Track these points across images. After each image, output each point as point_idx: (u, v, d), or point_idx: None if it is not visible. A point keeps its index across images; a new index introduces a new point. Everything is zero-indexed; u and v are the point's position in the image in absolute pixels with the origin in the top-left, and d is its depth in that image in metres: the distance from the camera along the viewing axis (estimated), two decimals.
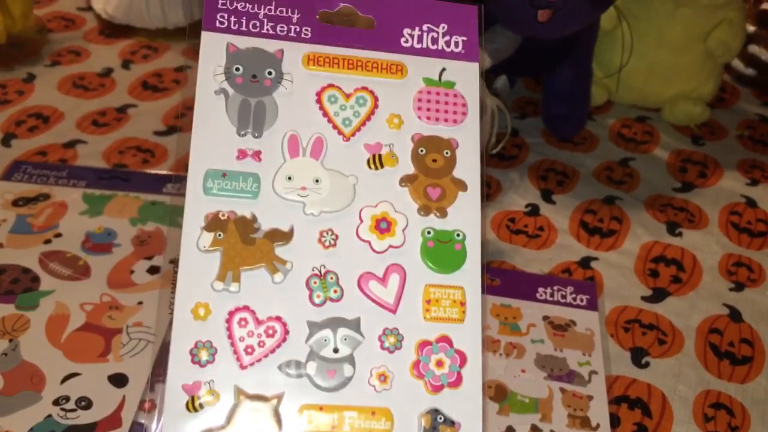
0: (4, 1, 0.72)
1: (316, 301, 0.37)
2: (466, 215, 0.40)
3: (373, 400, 0.36)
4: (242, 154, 0.39)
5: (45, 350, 0.48)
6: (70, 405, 0.44)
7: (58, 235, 0.55)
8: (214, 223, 0.37)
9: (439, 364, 0.37)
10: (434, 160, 0.40)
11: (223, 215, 0.37)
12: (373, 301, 0.37)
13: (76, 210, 0.58)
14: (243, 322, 0.36)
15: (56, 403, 0.45)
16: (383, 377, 0.36)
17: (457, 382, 0.36)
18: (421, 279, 0.38)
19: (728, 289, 0.57)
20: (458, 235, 0.39)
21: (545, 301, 0.55)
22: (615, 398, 0.49)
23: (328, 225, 0.38)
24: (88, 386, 0.45)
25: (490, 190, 0.66)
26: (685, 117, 0.74)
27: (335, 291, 0.37)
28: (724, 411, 0.48)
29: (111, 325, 0.49)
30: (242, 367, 0.36)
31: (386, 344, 0.37)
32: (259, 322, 0.36)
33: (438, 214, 0.39)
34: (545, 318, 0.54)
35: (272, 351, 0.36)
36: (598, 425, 0.47)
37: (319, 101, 0.40)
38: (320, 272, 0.37)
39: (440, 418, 0.35)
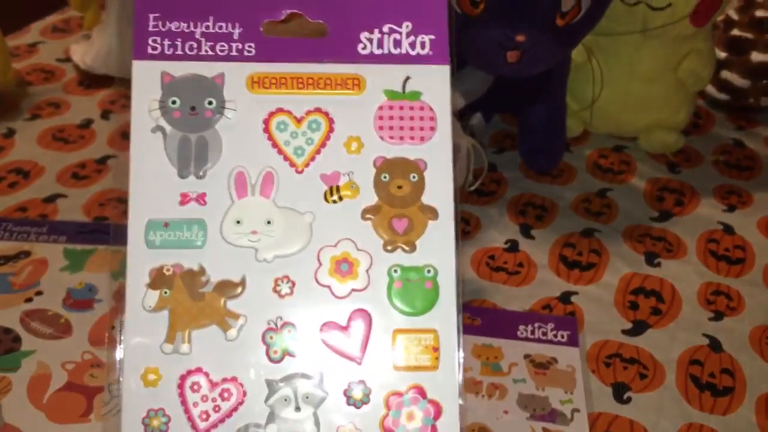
0: None
1: (274, 357, 0.35)
2: (437, 247, 0.36)
3: None
4: (185, 199, 0.36)
5: (27, 412, 0.48)
6: None
7: (39, 293, 0.56)
8: (158, 280, 0.35)
9: (411, 417, 0.34)
10: (399, 187, 0.36)
11: (168, 270, 0.35)
12: (336, 352, 0.35)
13: (57, 266, 0.58)
14: (196, 387, 0.34)
15: None
16: None
17: None
18: (389, 324, 0.35)
19: (708, 319, 0.58)
20: (429, 271, 0.36)
21: (526, 339, 0.55)
22: None
23: (284, 271, 0.35)
24: None
25: (469, 227, 0.66)
26: (660, 145, 0.75)
27: (293, 344, 0.35)
28: None
29: (93, 383, 0.49)
30: None
31: (352, 399, 0.34)
32: (213, 384, 0.35)
33: (406, 249, 0.36)
34: (527, 356, 0.54)
35: (229, 415, 0.34)
36: None
37: (267, 130, 0.37)
38: (277, 325, 0.35)
39: None
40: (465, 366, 0.53)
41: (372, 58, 0.38)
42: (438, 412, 0.35)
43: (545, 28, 0.57)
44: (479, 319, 0.57)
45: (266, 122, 0.37)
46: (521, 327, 0.56)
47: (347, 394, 0.35)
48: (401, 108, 0.37)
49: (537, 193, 0.71)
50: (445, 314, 0.36)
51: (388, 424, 0.34)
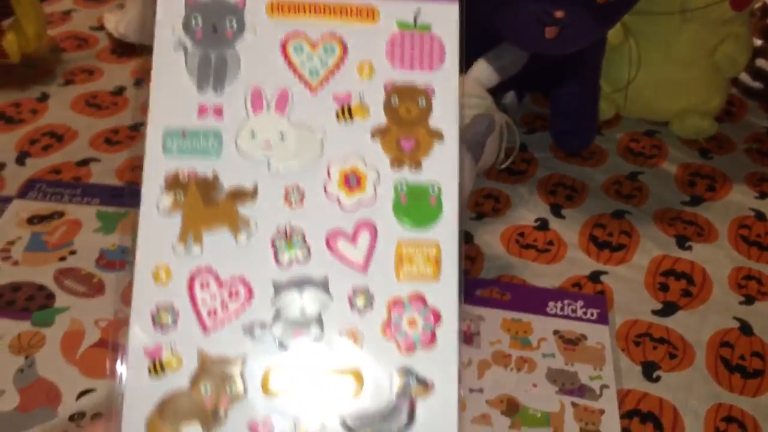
0: (18, 21, 0.73)
1: (282, 261, 0.36)
2: (442, 167, 0.37)
3: (341, 361, 0.35)
4: (203, 111, 0.37)
5: (60, 366, 0.48)
6: (86, 421, 0.45)
7: (73, 253, 0.56)
8: (173, 184, 0.36)
9: (412, 323, 0.35)
10: (408, 110, 0.37)
11: (184, 175, 0.36)
12: (342, 260, 0.36)
13: (90, 227, 0.59)
14: (205, 285, 0.35)
15: (71, 419, 0.45)
16: (353, 337, 0.35)
17: (431, 342, 0.35)
18: (393, 236, 0.36)
19: (738, 303, 0.57)
20: (433, 188, 0.37)
21: (556, 315, 0.55)
22: (627, 412, 0.49)
23: (294, 181, 0.37)
24: (103, 402, 0.46)
25: (499, 204, 0.66)
26: (693, 131, 0.75)
27: (301, 250, 0.36)
28: (736, 425, 0.48)
29: (125, 341, 0.50)
30: (205, 330, 0.35)
31: (356, 304, 0.35)
32: (221, 283, 0.35)
33: (412, 167, 0.37)
34: (556, 332, 0.54)
35: (236, 313, 0.35)
36: None
37: (284, 51, 0.38)
38: (286, 232, 0.36)
39: (412, 379, 0.34)
40: (494, 339, 0.53)
41: None
42: (438, 319, 0.35)
43: (585, 4, 0.57)
44: (509, 294, 0.57)
45: (283, 44, 0.38)
46: (551, 303, 0.56)
47: (350, 299, 0.35)
48: (412, 38, 0.39)
49: (567, 174, 0.70)
50: (448, 229, 0.36)
51: (389, 328, 0.35)
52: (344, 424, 0.33)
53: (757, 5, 0.83)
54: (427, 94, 0.37)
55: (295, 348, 0.35)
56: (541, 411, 0.48)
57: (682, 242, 0.63)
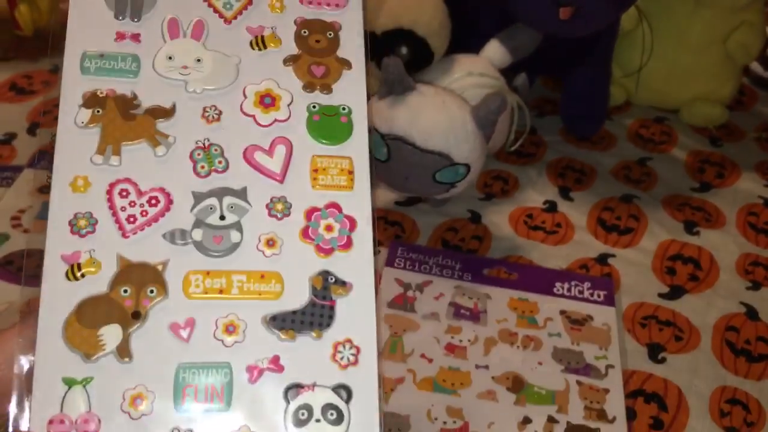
0: None
1: (201, 172, 0.37)
2: (351, 91, 0.40)
3: (262, 265, 0.36)
4: (120, 37, 0.38)
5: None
6: None
7: None
8: (92, 100, 0.37)
9: (329, 228, 0.37)
10: (317, 41, 0.40)
11: (102, 93, 0.37)
12: (260, 171, 0.37)
13: None
14: (124, 193, 0.36)
15: None
16: (272, 242, 0.36)
17: (347, 245, 0.37)
18: (308, 150, 0.38)
19: (745, 288, 0.57)
20: (344, 108, 0.39)
21: (562, 296, 0.55)
22: (631, 392, 0.49)
23: (212, 102, 0.38)
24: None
25: (507, 186, 0.66)
26: (703, 118, 0.75)
27: (220, 162, 0.37)
28: (740, 407, 0.49)
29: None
30: (124, 236, 0.35)
31: (274, 211, 0.37)
32: (141, 193, 0.36)
33: (323, 91, 0.39)
34: (562, 312, 0.54)
35: (155, 220, 0.36)
36: (614, 418, 0.47)
37: None
38: (204, 145, 0.38)
39: (331, 279, 0.36)
40: (500, 317, 0.53)
41: None
42: (353, 225, 0.37)
43: None
44: (516, 273, 0.57)
45: None
46: (557, 284, 0.56)
47: (269, 207, 0.37)
48: None
49: (576, 157, 0.70)
50: (359, 145, 0.39)
51: (307, 232, 0.36)
52: (266, 324, 0.34)
53: None
54: (335, 27, 0.41)
55: (215, 252, 0.35)
56: (546, 389, 0.49)
57: (690, 227, 0.63)
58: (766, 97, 0.82)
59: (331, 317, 0.35)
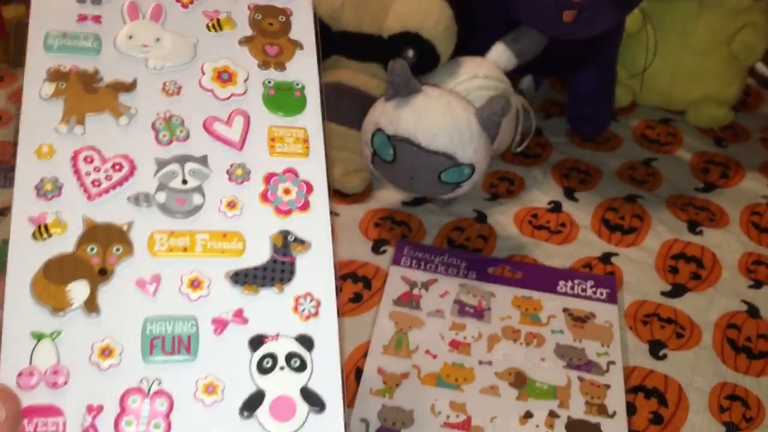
0: None
1: (163, 140, 0.39)
2: (304, 69, 0.42)
3: (224, 225, 0.38)
4: (82, 18, 0.41)
5: None
6: None
7: None
8: (55, 75, 0.39)
9: (287, 191, 0.39)
10: (270, 24, 0.43)
11: (65, 68, 0.39)
12: (219, 139, 0.39)
13: None
14: (88, 159, 0.38)
15: None
16: (233, 204, 0.38)
17: (305, 207, 0.38)
18: (265, 121, 0.40)
19: (747, 287, 0.58)
20: (297, 84, 0.41)
21: (566, 294, 0.56)
22: (632, 388, 0.50)
23: (171, 77, 0.40)
24: None
25: (513, 187, 0.67)
26: (709, 119, 0.75)
27: (181, 131, 0.39)
28: (739, 402, 0.49)
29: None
30: (90, 198, 0.37)
31: (234, 176, 0.39)
32: (105, 159, 0.38)
33: (277, 68, 0.42)
34: (565, 310, 0.55)
35: (120, 184, 0.37)
36: (614, 413, 0.48)
37: None
38: (165, 116, 0.39)
39: (291, 238, 0.37)
40: (504, 315, 0.54)
41: None
42: (310, 188, 0.39)
43: None
44: (520, 272, 0.58)
45: None
46: (561, 282, 0.57)
47: (229, 173, 0.39)
48: None
49: (582, 158, 0.71)
50: (313, 116, 0.41)
51: (266, 195, 0.39)
52: (229, 279, 0.36)
53: None
54: (286, 12, 0.44)
55: (179, 214, 0.37)
56: (548, 384, 0.50)
57: (693, 227, 0.64)
58: None
59: (291, 272, 0.37)
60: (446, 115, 0.54)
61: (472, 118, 0.54)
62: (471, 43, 0.68)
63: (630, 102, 0.78)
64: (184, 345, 0.35)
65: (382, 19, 0.62)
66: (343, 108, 0.63)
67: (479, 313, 0.54)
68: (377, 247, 0.60)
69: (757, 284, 0.58)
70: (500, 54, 0.65)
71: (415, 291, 0.56)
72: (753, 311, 0.56)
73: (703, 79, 0.73)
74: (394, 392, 0.49)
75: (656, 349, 0.53)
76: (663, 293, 0.57)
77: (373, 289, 0.56)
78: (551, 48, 0.66)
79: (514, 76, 0.71)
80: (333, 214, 0.60)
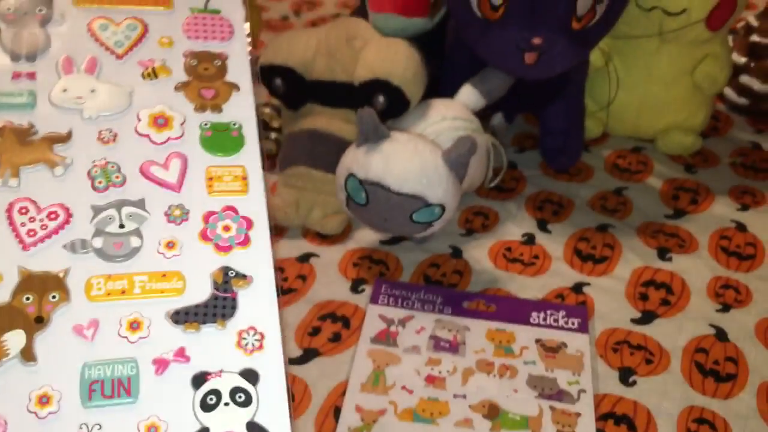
0: None
1: (99, 187, 0.40)
2: (241, 109, 0.44)
3: (163, 266, 0.38)
4: (16, 75, 0.42)
5: None
6: None
7: None
8: None
9: (227, 228, 0.40)
10: (206, 69, 0.44)
11: None
12: (157, 182, 0.41)
13: None
14: (23, 210, 0.39)
15: None
16: (171, 245, 0.39)
17: (246, 243, 0.39)
18: (202, 162, 0.42)
19: (715, 310, 0.60)
20: (234, 124, 0.43)
21: (538, 325, 0.58)
22: (602, 415, 0.52)
23: (107, 125, 0.42)
24: None
25: (488, 221, 0.69)
26: (677, 147, 0.78)
27: (117, 177, 0.40)
28: (707, 425, 0.51)
29: None
30: (25, 248, 0.38)
31: (172, 217, 0.40)
32: (40, 209, 0.39)
33: (214, 110, 0.43)
34: (538, 341, 0.57)
35: (55, 232, 0.38)
36: None
37: (90, 30, 0.44)
38: (101, 163, 0.41)
39: (231, 273, 0.38)
40: (478, 348, 0.56)
41: None
42: (250, 224, 0.40)
43: (561, 31, 0.60)
44: (494, 305, 0.60)
45: (89, 25, 0.45)
46: (534, 314, 0.59)
47: (167, 214, 0.40)
48: (204, 18, 0.47)
49: (555, 190, 0.74)
50: (251, 154, 0.43)
51: (206, 233, 0.39)
52: (170, 318, 0.36)
53: (740, 24, 0.87)
54: (222, 57, 0.45)
55: (116, 257, 0.38)
56: (521, 414, 0.51)
57: (663, 253, 0.66)
58: (741, 123, 0.85)
59: (233, 308, 0.38)
60: (414, 159, 0.56)
61: (439, 160, 0.57)
62: (442, 84, 0.71)
63: (601, 133, 0.80)
64: (124, 387, 0.35)
65: (353, 67, 0.65)
66: (320, 153, 0.65)
67: (454, 348, 0.56)
68: (356, 287, 0.62)
69: (725, 308, 0.60)
70: (468, 95, 0.67)
71: (392, 328, 0.58)
72: (721, 335, 0.58)
73: (669, 109, 0.76)
74: (372, 429, 0.50)
75: (626, 375, 0.55)
76: (633, 320, 0.59)
77: (351, 328, 0.58)
78: (518, 86, 0.69)
79: (486, 112, 0.74)
80: (313, 255, 0.63)
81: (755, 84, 0.83)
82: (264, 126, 0.75)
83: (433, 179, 0.56)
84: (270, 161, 0.75)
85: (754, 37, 0.83)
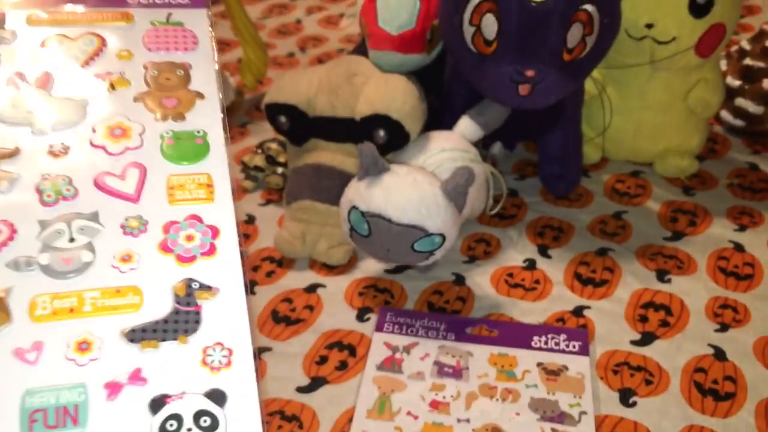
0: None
1: (48, 200, 0.38)
2: (205, 117, 0.42)
3: (118, 281, 0.35)
4: None
5: None
6: None
7: None
8: None
9: (190, 238, 0.37)
10: (167, 79, 0.43)
11: None
12: (112, 194, 0.38)
13: None
14: None
15: None
16: (128, 258, 0.36)
17: (211, 252, 0.37)
18: (163, 171, 0.40)
19: (713, 330, 0.61)
20: (198, 132, 0.41)
21: (540, 349, 0.60)
22: None
23: (59, 139, 0.40)
24: None
25: (490, 248, 0.71)
26: (674, 170, 0.79)
27: (68, 189, 0.38)
28: None
29: None
30: None
31: (129, 229, 0.37)
32: None
33: (176, 119, 0.42)
34: (539, 364, 0.58)
35: None
36: None
37: (44, 45, 0.44)
38: (51, 177, 0.39)
39: (195, 285, 0.35)
40: (481, 373, 0.58)
41: (139, 5, 0.47)
42: (216, 232, 0.38)
43: (553, 63, 0.63)
44: (497, 330, 0.61)
45: (44, 41, 0.45)
46: (535, 338, 0.60)
47: (123, 226, 0.38)
48: (166, 30, 0.46)
49: (555, 216, 0.75)
50: (217, 161, 0.41)
51: (166, 244, 0.37)
52: (125, 337, 0.33)
53: (734, 48, 0.88)
54: (185, 66, 0.44)
55: (65, 273, 0.35)
56: None
57: (662, 275, 0.67)
58: (738, 144, 0.86)
59: (197, 322, 0.34)
60: (413, 191, 0.58)
61: (438, 191, 0.59)
62: (442, 116, 0.73)
63: (600, 158, 0.82)
64: (70, 416, 0.31)
65: (354, 103, 0.67)
66: (324, 187, 0.68)
67: (458, 373, 0.58)
68: (361, 315, 0.64)
69: (723, 327, 0.61)
70: (467, 126, 0.70)
71: (397, 355, 0.59)
72: (719, 354, 0.59)
73: (665, 133, 0.78)
74: None
75: (626, 397, 0.56)
76: (633, 342, 0.60)
77: (357, 356, 0.60)
78: (516, 116, 0.71)
79: (486, 141, 0.76)
80: (320, 286, 0.65)
81: (750, 106, 0.84)
82: (271, 161, 0.78)
83: (432, 210, 0.58)
84: (277, 195, 0.78)
85: (747, 61, 0.85)
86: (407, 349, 0.60)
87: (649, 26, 0.70)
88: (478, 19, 0.63)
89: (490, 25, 0.63)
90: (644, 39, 0.71)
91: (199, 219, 0.39)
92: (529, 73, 0.62)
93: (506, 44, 0.63)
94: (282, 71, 1.04)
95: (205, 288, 0.36)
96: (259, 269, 0.68)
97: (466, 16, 0.63)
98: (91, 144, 0.41)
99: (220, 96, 0.45)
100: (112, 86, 0.44)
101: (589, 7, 0.62)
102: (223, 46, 1.12)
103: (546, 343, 0.60)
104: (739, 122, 0.86)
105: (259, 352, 0.59)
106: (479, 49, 0.64)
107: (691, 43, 0.70)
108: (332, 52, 1.10)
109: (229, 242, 0.38)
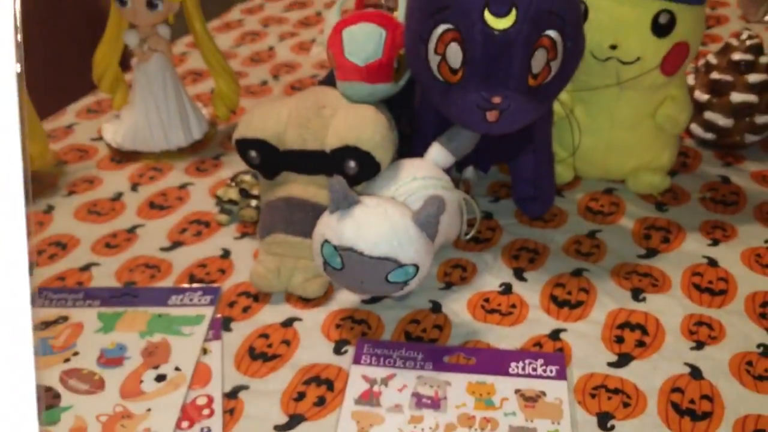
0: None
1: None
2: None
3: None
4: None
5: None
6: None
7: (76, 354, 0.62)
8: None
9: None
10: None
11: None
12: None
13: (92, 328, 0.65)
14: None
15: None
16: None
17: None
18: None
19: (689, 348, 0.62)
20: None
21: (517, 375, 0.60)
22: None
23: None
24: None
25: (465, 273, 0.71)
26: (646, 187, 0.80)
27: None
28: None
29: None
30: None
31: None
32: None
33: None
34: (517, 391, 0.58)
35: None
36: None
37: None
38: None
39: None
40: (459, 402, 0.58)
41: None
42: None
43: (519, 89, 0.63)
44: (474, 358, 0.61)
45: None
46: (513, 364, 0.61)
47: None
48: None
49: (530, 237, 0.76)
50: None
51: None
52: None
53: (701, 62, 0.90)
54: None
55: None
56: None
57: (636, 294, 0.67)
58: (709, 158, 0.87)
59: None
60: (384, 223, 0.58)
61: (409, 221, 0.59)
62: (413, 144, 0.73)
63: (572, 177, 0.83)
64: None
65: (324, 135, 0.67)
66: (296, 220, 0.68)
67: (436, 403, 0.58)
68: (339, 348, 0.64)
69: (699, 345, 0.62)
70: (437, 153, 0.70)
71: (375, 388, 0.59)
72: (695, 373, 0.59)
73: (635, 151, 0.78)
74: None
75: (604, 420, 0.56)
76: (609, 364, 0.61)
77: (335, 391, 0.59)
78: (485, 141, 0.71)
79: (459, 166, 0.76)
80: (296, 319, 0.64)
81: (720, 119, 0.85)
82: (245, 194, 0.78)
83: (404, 241, 0.58)
84: (252, 228, 0.77)
85: (714, 75, 0.86)
86: (385, 381, 0.60)
87: (614, 47, 0.71)
88: (443, 48, 0.63)
89: (454, 53, 0.63)
90: (609, 60, 0.72)
91: None
92: (496, 99, 0.63)
93: (472, 72, 0.63)
94: (256, 99, 1.04)
95: None
96: (235, 305, 0.68)
97: (431, 45, 0.64)
98: None
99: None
100: None
101: (551, 33, 0.62)
102: (195, 76, 1.12)
103: (523, 368, 0.60)
104: (709, 135, 0.87)
105: (236, 392, 0.59)
106: (445, 78, 0.65)
107: (655, 62, 0.71)
108: (305, 79, 1.11)
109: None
